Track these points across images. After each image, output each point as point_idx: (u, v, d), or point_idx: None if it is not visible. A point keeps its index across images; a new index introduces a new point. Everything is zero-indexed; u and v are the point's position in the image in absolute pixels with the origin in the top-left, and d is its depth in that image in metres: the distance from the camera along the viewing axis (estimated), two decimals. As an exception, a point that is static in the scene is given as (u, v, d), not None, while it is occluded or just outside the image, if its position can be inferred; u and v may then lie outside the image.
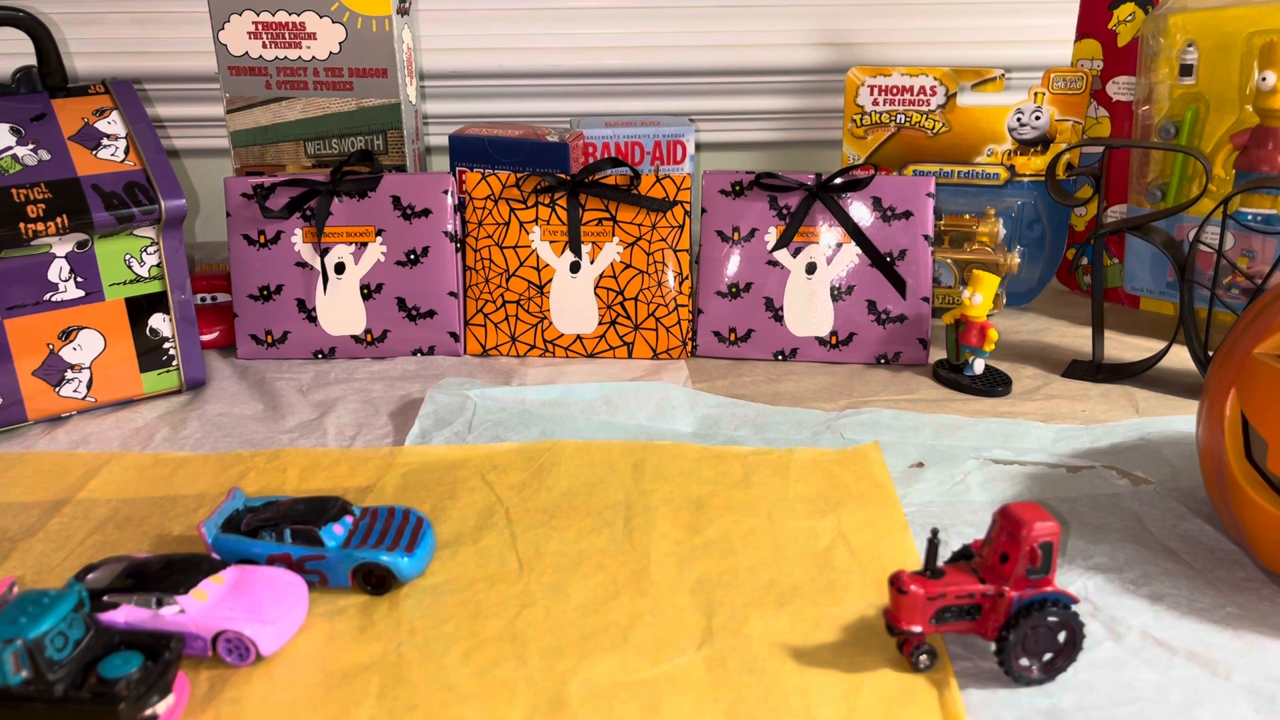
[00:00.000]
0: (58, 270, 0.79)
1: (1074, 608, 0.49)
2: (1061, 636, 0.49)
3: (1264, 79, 0.89)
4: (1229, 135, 0.94)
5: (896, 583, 0.49)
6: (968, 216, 1.04)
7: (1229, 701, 0.49)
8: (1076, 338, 1.00)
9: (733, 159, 1.38)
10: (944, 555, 0.59)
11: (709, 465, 0.71)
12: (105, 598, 0.51)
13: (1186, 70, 0.96)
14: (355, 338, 0.94)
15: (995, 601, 0.49)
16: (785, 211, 0.93)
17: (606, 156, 1.05)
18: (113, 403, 0.84)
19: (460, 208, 0.95)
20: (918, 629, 0.49)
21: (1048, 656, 0.49)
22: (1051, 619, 0.48)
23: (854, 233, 0.92)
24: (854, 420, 0.79)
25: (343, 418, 0.81)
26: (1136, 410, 0.82)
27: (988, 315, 0.88)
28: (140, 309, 0.83)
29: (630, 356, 0.95)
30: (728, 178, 0.94)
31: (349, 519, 0.59)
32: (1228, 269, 0.92)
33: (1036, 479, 0.70)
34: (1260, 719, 0.47)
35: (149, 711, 0.45)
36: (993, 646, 0.50)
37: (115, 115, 0.82)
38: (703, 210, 0.95)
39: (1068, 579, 0.58)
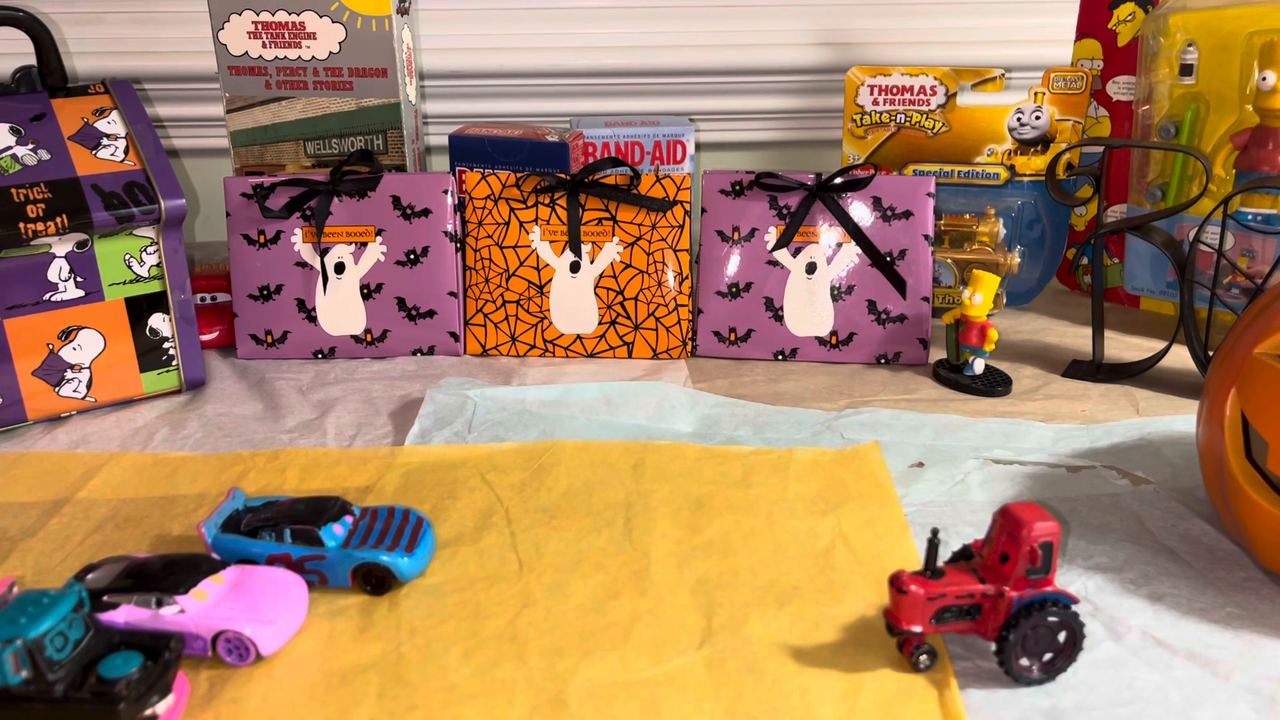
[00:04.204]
0: (57, 270, 0.79)
1: (1074, 608, 0.49)
2: (1062, 636, 0.49)
3: (1264, 79, 0.89)
4: (1229, 135, 0.94)
5: (896, 583, 0.49)
6: (968, 216, 1.04)
7: (1229, 701, 0.49)
8: (1076, 338, 1.00)
9: (733, 159, 1.38)
10: (944, 555, 0.59)
11: (709, 465, 0.71)
12: (105, 598, 0.51)
13: (1186, 70, 0.96)
14: (355, 338, 0.94)
15: (995, 601, 0.49)
16: (785, 211, 0.93)
17: (606, 156, 1.05)
18: (113, 403, 0.84)
19: (460, 207, 0.95)
20: (918, 629, 0.49)
21: (1048, 656, 0.49)
22: (1051, 619, 0.48)
23: (854, 233, 0.92)
24: (854, 420, 0.79)
25: (343, 418, 0.81)
26: (1136, 410, 0.82)
27: (988, 315, 0.88)
28: (140, 309, 0.83)
29: (630, 356, 0.95)
30: (728, 177, 0.94)
31: (349, 519, 0.59)
32: (1228, 269, 0.92)
33: (1036, 479, 0.70)
34: (1260, 719, 0.47)
35: (149, 711, 0.45)
36: (993, 646, 0.50)
37: (115, 115, 0.82)
38: (703, 210, 0.95)
39: (1068, 579, 0.58)
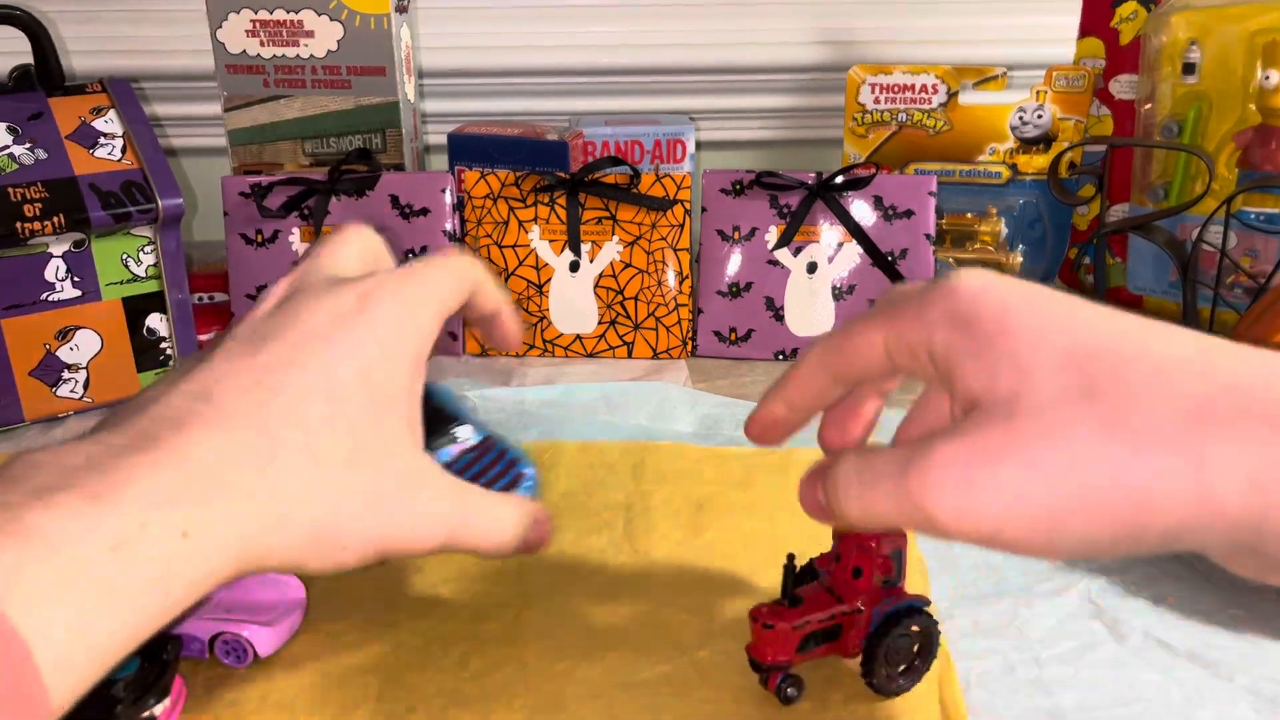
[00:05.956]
0: (54, 270, 0.78)
1: (927, 610, 0.48)
2: (917, 645, 0.48)
3: (1267, 78, 0.89)
4: (1232, 134, 0.94)
5: (759, 618, 0.47)
6: (969, 215, 1.03)
7: (1230, 702, 0.48)
8: (1078, 337, 1.00)
9: (733, 158, 1.37)
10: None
11: (710, 466, 0.71)
12: (102, 599, 0.51)
13: (1189, 69, 0.95)
14: (354, 337, 0.94)
15: (854, 618, 0.47)
16: (786, 210, 0.93)
17: (606, 155, 1.05)
18: (110, 403, 0.83)
19: (459, 207, 0.95)
20: (784, 660, 0.47)
21: (909, 663, 0.48)
22: (914, 628, 0.47)
23: (855, 232, 0.92)
24: (855, 420, 0.79)
25: (341, 417, 0.81)
26: (1138, 410, 0.82)
27: (989, 314, 0.88)
28: (137, 309, 0.82)
29: (630, 356, 0.94)
30: (728, 176, 0.94)
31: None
32: (1231, 268, 0.92)
33: (1038, 479, 0.70)
34: (1260, 719, 0.47)
35: (147, 713, 0.45)
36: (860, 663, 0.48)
37: (112, 114, 0.82)
38: (703, 209, 0.95)
39: (1071, 580, 0.58)
